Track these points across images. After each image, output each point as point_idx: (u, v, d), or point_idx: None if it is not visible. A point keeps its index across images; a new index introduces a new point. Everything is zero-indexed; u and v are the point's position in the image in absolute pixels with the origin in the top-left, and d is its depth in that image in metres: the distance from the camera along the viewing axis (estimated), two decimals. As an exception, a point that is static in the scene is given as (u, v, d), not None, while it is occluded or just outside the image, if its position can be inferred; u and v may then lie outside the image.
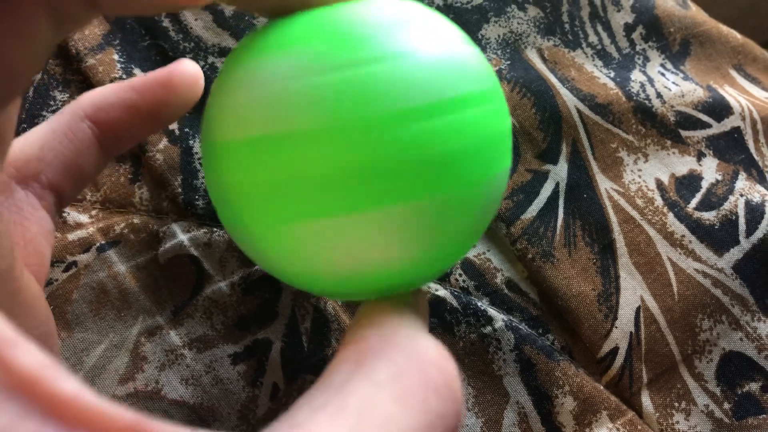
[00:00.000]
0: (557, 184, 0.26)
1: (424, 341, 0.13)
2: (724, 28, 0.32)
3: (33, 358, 0.07)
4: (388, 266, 0.14)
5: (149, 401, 0.22)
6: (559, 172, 0.26)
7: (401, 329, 0.13)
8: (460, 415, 0.13)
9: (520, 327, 0.24)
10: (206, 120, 0.15)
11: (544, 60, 0.28)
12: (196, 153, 0.25)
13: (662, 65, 0.29)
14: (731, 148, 0.28)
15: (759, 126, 0.28)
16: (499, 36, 0.28)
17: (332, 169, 0.13)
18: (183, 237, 0.24)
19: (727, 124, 0.28)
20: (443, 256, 0.15)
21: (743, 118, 0.28)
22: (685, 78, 0.29)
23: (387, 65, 0.13)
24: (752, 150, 0.28)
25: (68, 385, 0.07)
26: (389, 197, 0.13)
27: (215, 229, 0.24)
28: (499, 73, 0.27)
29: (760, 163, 0.28)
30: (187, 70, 0.17)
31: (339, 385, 0.11)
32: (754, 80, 0.31)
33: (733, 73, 0.31)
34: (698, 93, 0.28)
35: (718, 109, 0.28)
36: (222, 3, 0.12)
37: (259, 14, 0.15)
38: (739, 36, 0.32)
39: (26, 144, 0.16)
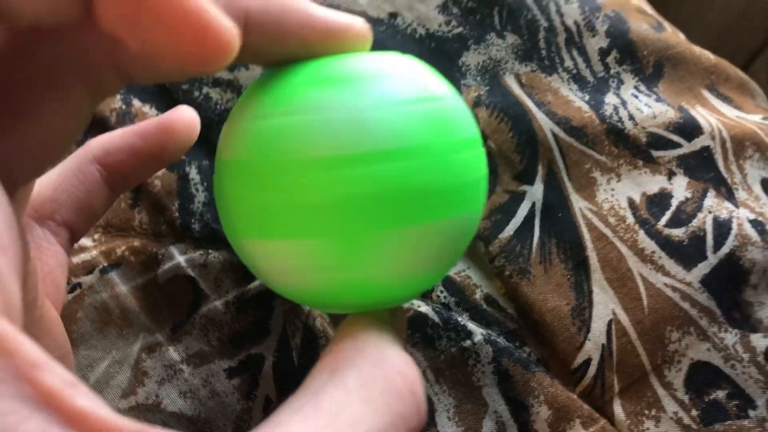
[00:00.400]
0: (533, 204, 0.27)
1: (391, 351, 0.15)
2: (697, 49, 0.33)
3: (57, 377, 0.09)
4: (365, 285, 0.16)
5: (150, 414, 0.23)
6: (535, 192, 0.27)
7: (373, 341, 0.15)
8: (423, 416, 0.15)
9: (498, 340, 0.25)
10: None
11: (521, 85, 0.29)
12: (192, 179, 0.26)
13: (636, 87, 0.30)
14: (701, 167, 0.29)
15: (728, 145, 0.30)
16: (478, 63, 0.29)
17: (313, 197, 0.14)
18: (180, 259, 0.25)
19: (697, 143, 0.29)
20: (417, 279, 0.17)
21: (713, 138, 0.30)
22: (658, 99, 0.30)
23: (364, 113, 0.14)
24: (721, 168, 0.29)
25: (85, 400, 0.09)
26: (361, 224, 0.14)
27: (210, 251, 0.25)
28: (478, 98, 0.28)
29: (729, 181, 0.29)
30: (186, 116, 0.19)
31: (315, 390, 0.13)
32: (726, 99, 0.32)
33: (706, 93, 0.32)
34: (670, 114, 0.30)
35: (689, 129, 0.29)
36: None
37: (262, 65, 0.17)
38: (711, 56, 0.33)
39: (42, 186, 0.18)
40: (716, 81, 0.33)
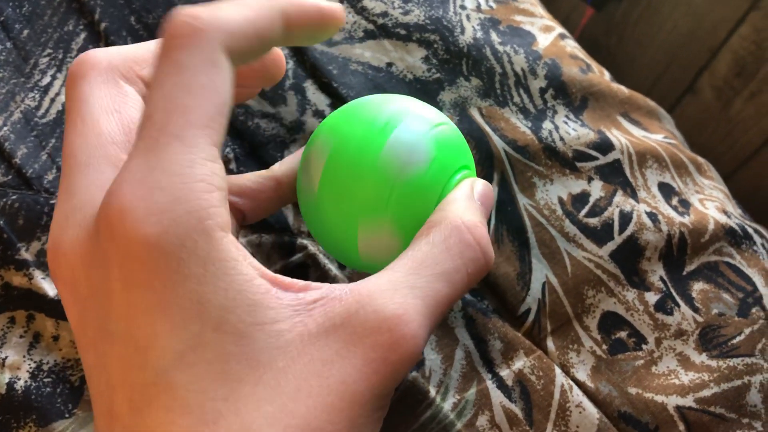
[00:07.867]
0: (491, 201, 0.38)
1: (466, 216, 0.22)
2: (614, 86, 0.44)
3: None
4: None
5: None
6: (492, 193, 0.38)
7: (454, 210, 0.22)
8: (489, 260, 0.21)
9: (465, 296, 0.36)
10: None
11: (482, 116, 0.40)
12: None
13: (566, 116, 0.41)
14: (612, 174, 0.40)
15: (633, 158, 0.41)
16: (451, 99, 0.40)
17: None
18: (242, 240, 0.36)
19: (610, 157, 0.40)
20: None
21: (622, 152, 0.41)
22: (582, 125, 0.41)
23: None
24: (628, 175, 0.40)
25: None
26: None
27: (263, 234, 0.36)
28: (451, 126, 0.39)
29: (633, 184, 0.40)
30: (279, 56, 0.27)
31: (413, 244, 0.21)
32: (636, 123, 0.44)
33: (620, 119, 0.43)
34: (590, 135, 0.41)
35: (604, 146, 0.41)
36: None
37: None
38: (626, 90, 0.45)
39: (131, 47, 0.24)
40: (629, 109, 0.44)
